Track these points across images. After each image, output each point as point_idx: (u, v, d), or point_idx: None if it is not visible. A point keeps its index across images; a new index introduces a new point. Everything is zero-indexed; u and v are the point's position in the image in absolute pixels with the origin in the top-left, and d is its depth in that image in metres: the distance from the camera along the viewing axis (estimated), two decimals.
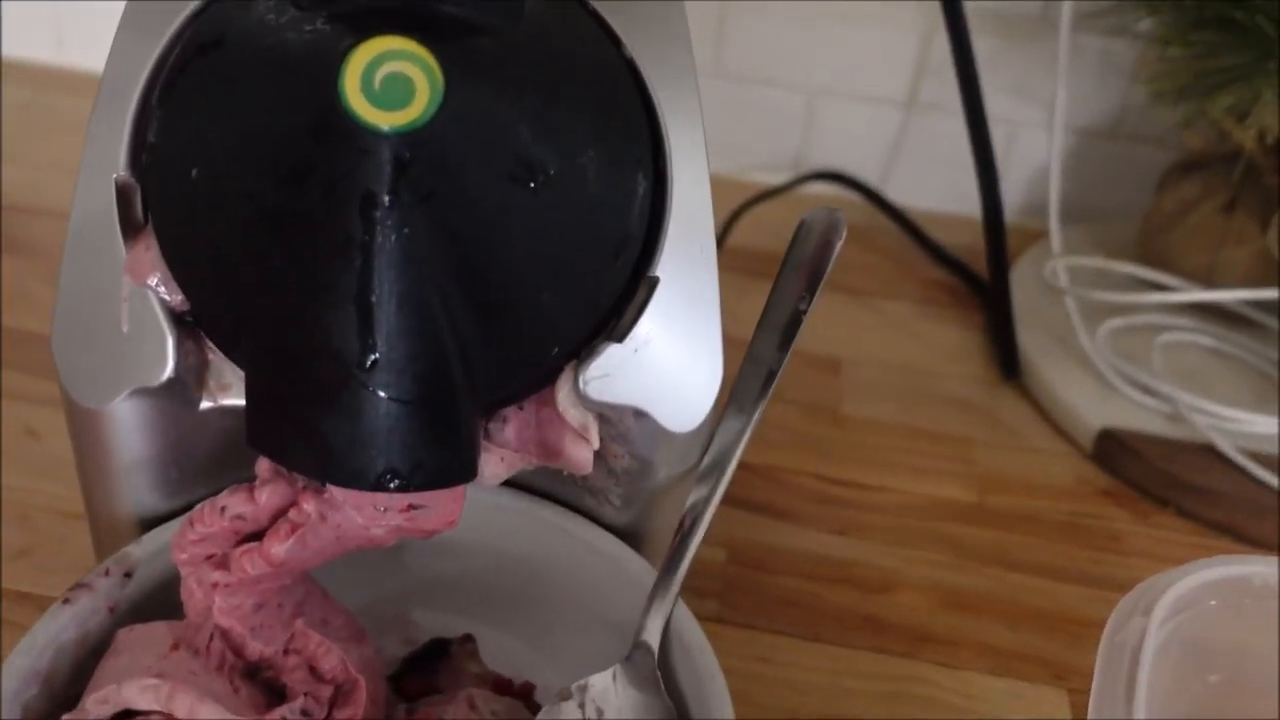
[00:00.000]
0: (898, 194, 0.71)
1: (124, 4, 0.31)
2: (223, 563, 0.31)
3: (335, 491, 0.30)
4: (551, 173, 0.29)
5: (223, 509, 0.30)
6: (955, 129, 0.70)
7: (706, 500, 0.34)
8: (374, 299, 0.27)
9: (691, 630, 0.33)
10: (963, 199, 0.70)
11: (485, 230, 0.28)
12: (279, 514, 0.30)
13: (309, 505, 0.30)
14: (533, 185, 0.28)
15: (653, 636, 0.33)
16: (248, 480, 0.31)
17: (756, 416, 0.35)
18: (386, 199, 0.27)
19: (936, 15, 0.66)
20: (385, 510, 0.30)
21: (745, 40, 0.69)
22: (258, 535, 0.31)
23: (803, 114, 0.71)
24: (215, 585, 0.31)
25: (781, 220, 0.66)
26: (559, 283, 0.30)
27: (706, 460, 0.35)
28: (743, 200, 0.67)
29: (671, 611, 0.33)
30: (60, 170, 0.66)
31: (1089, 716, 0.30)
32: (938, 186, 0.72)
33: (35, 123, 0.71)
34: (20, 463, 0.47)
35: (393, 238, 0.27)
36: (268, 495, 0.30)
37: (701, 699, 0.31)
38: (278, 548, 0.30)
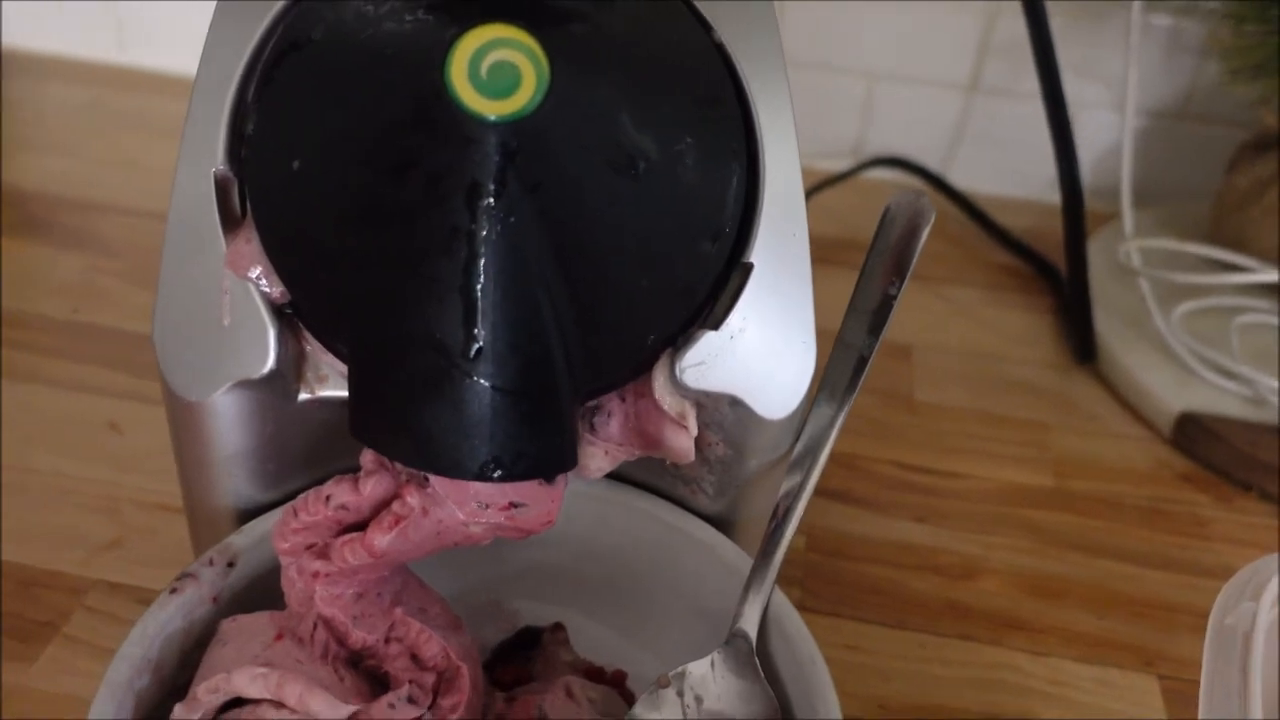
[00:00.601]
0: (960, 179, 0.71)
1: (207, 1, 0.31)
2: (323, 552, 0.31)
3: (437, 486, 0.30)
4: (651, 159, 0.29)
5: (328, 498, 0.30)
6: (1018, 112, 0.69)
7: (800, 487, 0.34)
8: (479, 289, 0.27)
9: (790, 616, 0.33)
10: (1024, 182, 0.70)
11: (588, 219, 0.28)
12: (381, 506, 0.30)
13: (412, 498, 0.30)
14: (633, 173, 0.28)
15: (750, 624, 0.33)
16: (343, 472, 0.31)
17: (849, 403, 0.34)
18: (493, 188, 0.27)
19: None
20: (486, 507, 0.30)
21: (803, 24, 0.69)
22: (358, 526, 0.31)
23: (862, 99, 0.71)
24: (316, 575, 0.31)
25: (845, 207, 0.66)
26: (657, 270, 0.30)
27: (799, 448, 0.34)
28: (805, 188, 0.66)
29: (769, 598, 0.33)
30: (123, 166, 0.67)
31: (1201, 706, 0.30)
32: (1000, 170, 0.71)
33: (98, 120, 0.72)
34: (104, 456, 0.47)
35: (499, 228, 0.27)
36: (372, 486, 0.30)
37: (803, 685, 0.31)
38: (380, 539, 0.30)
